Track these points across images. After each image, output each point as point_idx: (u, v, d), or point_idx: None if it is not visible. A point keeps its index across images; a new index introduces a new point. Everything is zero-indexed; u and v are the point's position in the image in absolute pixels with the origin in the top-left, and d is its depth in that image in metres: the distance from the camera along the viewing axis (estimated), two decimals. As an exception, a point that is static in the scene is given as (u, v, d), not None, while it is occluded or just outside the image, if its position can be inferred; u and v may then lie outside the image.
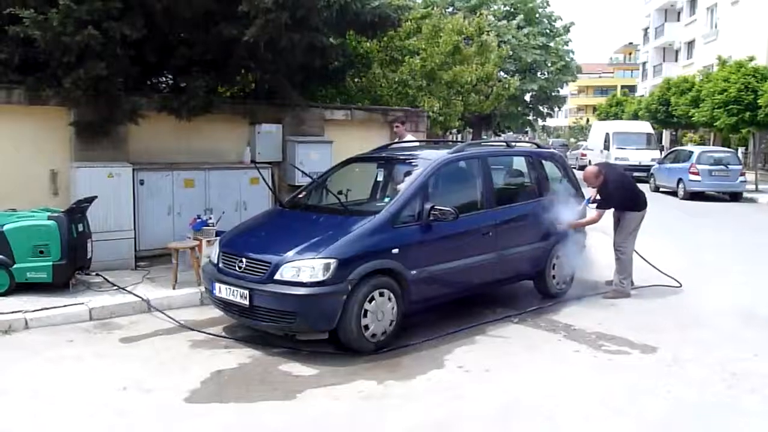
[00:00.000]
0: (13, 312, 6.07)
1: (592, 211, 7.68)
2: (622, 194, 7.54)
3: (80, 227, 6.97)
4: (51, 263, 6.63)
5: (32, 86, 7.53)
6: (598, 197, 7.58)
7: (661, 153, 25.81)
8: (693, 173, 18.60)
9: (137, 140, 8.47)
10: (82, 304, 6.41)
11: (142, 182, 8.17)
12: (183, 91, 8.33)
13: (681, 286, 7.87)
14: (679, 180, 19.27)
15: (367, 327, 5.48)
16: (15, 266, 6.56)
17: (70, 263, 6.76)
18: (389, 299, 5.65)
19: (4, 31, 7.12)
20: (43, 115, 7.84)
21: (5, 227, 6.58)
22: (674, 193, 19.54)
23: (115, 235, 7.71)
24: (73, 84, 7.26)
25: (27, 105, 7.65)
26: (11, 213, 6.86)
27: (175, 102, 8.23)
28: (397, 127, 9.92)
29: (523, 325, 6.45)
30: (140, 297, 6.66)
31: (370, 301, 5.50)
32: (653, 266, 8.09)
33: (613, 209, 7.67)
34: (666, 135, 39.04)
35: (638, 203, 7.68)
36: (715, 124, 23.11)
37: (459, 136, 34.31)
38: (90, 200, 7.18)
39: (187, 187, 8.55)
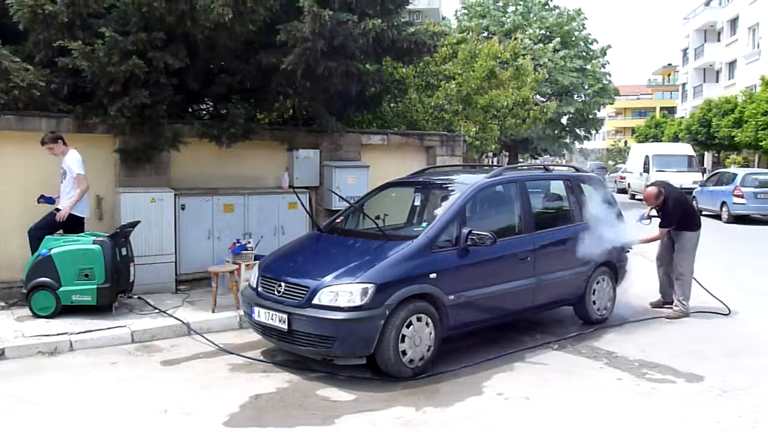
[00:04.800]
0: (59, 334, 6.22)
1: (644, 229, 7.87)
2: (681, 212, 7.68)
3: (124, 251, 7.13)
4: (95, 286, 6.79)
5: (80, 115, 7.78)
6: (654, 214, 7.81)
7: (702, 175, 25.33)
8: (737, 196, 18.19)
9: (179, 166, 8.67)
10: (125, 326, 6.54)
11: (183, 207, 8.33)
12: (223, 118, 8.52)
13: (729, 312, 7.67)
14: (723, 203, 18.85)
15: (404, 352, 5.46)
16: (61, 289, 6.73)
17: (114, 286, 6.90)
18: (427, 324, 5.62)
19: (54, 62, 7.39)
20: (89, 143, 8.07)
21: (53, 251, 6.77)
22: (718, 217, 19.10)
23: (157, 259, 7.86)
24: (118, 112, 7.49)
25: (75, 133, 7.89)
26: (58, 237, 7.05)
27: (215, 129, 8.42)
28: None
29: (563, 352, 6.34)
30: (181, 320, 6.76)
31: (407, 326, 5.48)
32: (707, 290, 7.94)
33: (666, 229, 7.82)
34: (708, 157, 38.30)
35: (695, 222, 7.79)
36: (760, 145, 22.58)
37: (495, 159, 34.20)
38: (133, 225, 7.35)
39: (227, 212, 8.69)
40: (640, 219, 7.90)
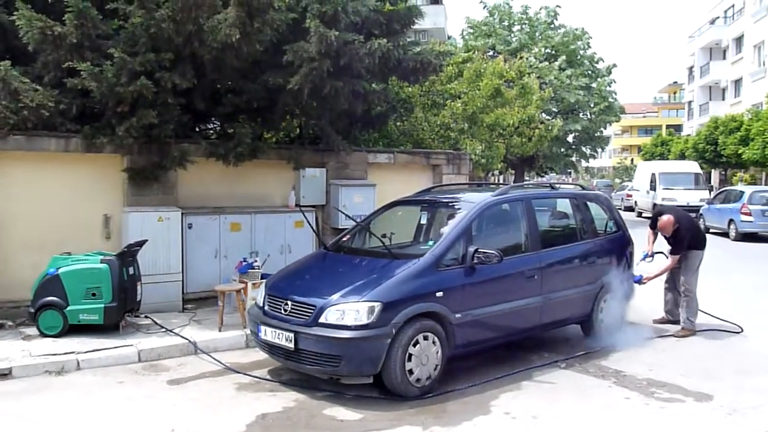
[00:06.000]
0: (66, 353, 6.23)
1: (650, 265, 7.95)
2: (691, 235, 7.75)
3: (131, 270, 7.15)
4: (103, 305, 6.80)
5: (88, 135, 7.83)
6: (656, 250, 7.90)
7: (710, 193, 25.25)
8: (745, 213, 18.11)
9: (186, 185, 8.71)
10: (132, 345, 6.54)
11: (190, 226, 8.36)
12: (230, 138, 8.58)
13: (742, 330, 7.61)
14: (730, 221, 18.78)
15: (411, 371, 5.44)
16: (68, 308, 6.75)
17: (121, 305, 6.92)
18: (434, 343, 5.60)
19: (63, 83, 7.46)
20: (97, 162, 8.15)
21: (60, 270, 6.80)
22: (725, 234, 19.01)
23: (164, 278, 7.87)
24: (126, 132, 7.55)
25: (83, 152, 7.96)
26: (66, 256, 7.08)
27: (222, 148, 8.46)
28: None
29: (571, 371, 6.30)
30: (187, 339, 6.75)
31: (414, 345, 5.46)
32: (711, 315, 7.92)
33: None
34: (715, 175, 38.21)
35: (701, 241, 7.86)
36: (767, 162, 22.52)
37: (501, 177, 34.19)
38: (141, 244, 7.38)
39: (234, 231, 8.71)
40: (644, 257, 7.90)
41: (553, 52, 32.61)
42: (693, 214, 19.65)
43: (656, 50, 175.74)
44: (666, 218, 7.66)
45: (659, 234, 7.94)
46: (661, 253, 7.93)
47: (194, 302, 8.31)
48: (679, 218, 7.71)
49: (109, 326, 6.90)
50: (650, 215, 24.14)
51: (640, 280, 7.74)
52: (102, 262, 6.89)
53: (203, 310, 8.03)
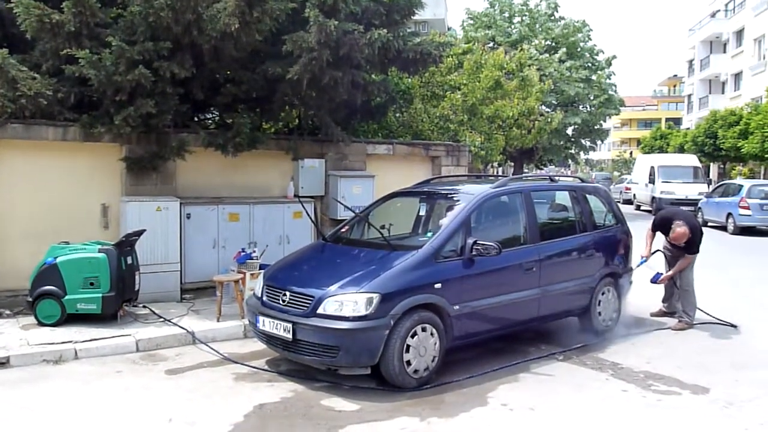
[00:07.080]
0: (63, 342, 6.23)
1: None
2: (699, 234, 7.78)
3: (129, 260, 7.15)
4: (100, 295, 6.80)
5: (86, 124, 7.81)
6: (648, 255, 7.90)
7: (708, 186, 25.25)
8: (743, 207, 18.13)
9: (185, 175, 8.70)
10: (130, 335, 6.54)
11: (188, 216, 8.34)
12: (229, 128, 8.55)
13: (737, 327, 7.61)
14: (729, 214, 18.79)
15: (409, 362, 5.44)
16: (66, 297, 6.75)
17: (119, 295, 6.91)
18: (432, 334, 5.60)
19: (61, 71, 7.43)
20: (95, 152, 8.12)
21: (58, 259, 6.79)
22: (723, 228, 19.03)
23: (162, 268, 7.87)
24: (124, 121, 7.52)
25: (81, 142, 7.93)
26: (64, 246, 7.07)
27: (221, 138, 8.44)
28: None
29: (569, 363, 6.31)
30: (185, 329, 6.75)
31: (412, 336, 5.46)
32: (707, 314, 7.89)
33: (670, 247, 7.90)
34: (714, 168, 38.22)
35: (701, 239, 7.83)
36: (766, 156, 22.51)
37: (500, 170, 34.20)
38: (139, 233, 7.37)
39: (232, 221, 8.70)
40: (642, 263, 7.85)
41: (554, 44, 32.59)
42: (691, 208, 19.83)
43: (656, 43, 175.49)
44: (681, 230, 7.53)
45: (658, 235, 7.94)
46: (658, 250, 7.92)
47: (192, 292, 8.31)
48: (692, 228, 7.63)
49: (107, 316, 6.90)
50: (649, 209, 23.99)
51: (657, 280, 7.79)
52: (100, 251, 6.88)
53: (201, 300, 8.03)
